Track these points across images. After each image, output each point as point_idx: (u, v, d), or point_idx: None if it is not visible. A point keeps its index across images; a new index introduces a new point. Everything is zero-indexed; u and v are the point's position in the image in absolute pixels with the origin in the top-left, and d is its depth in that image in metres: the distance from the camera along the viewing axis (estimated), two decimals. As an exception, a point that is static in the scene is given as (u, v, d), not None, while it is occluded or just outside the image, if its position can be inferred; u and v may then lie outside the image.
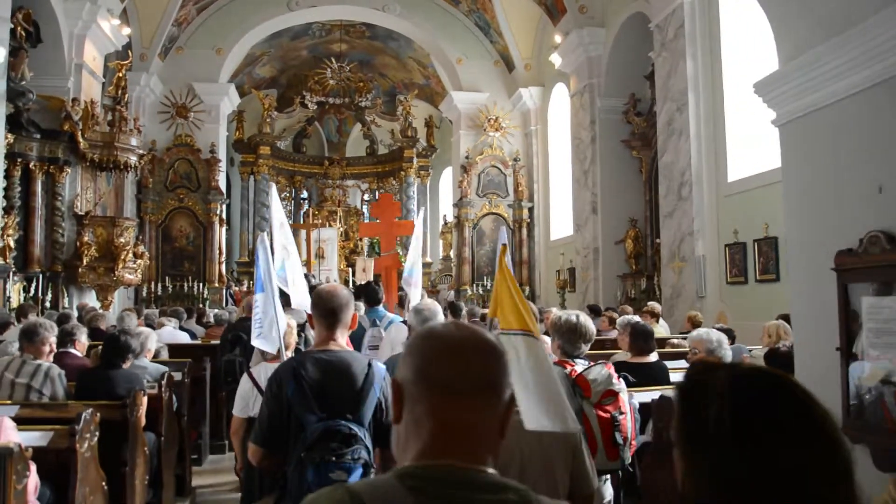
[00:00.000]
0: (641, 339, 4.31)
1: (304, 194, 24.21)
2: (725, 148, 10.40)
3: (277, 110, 21.16)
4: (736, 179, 10.14)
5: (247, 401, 3.63)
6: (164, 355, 5.91)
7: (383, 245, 13.76)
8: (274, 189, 4.21)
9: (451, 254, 20.08)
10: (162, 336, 6.93)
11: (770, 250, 9.25)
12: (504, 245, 3.07)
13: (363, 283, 7.99)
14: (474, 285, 17.90)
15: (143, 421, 4.21)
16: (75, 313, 9.03)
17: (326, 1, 17.47)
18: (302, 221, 20.24)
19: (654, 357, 4.37)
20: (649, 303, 9.31)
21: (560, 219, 17.18)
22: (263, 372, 3.63)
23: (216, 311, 10.44)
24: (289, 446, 2.53)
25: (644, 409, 4.02)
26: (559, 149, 17.31)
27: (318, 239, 17.31)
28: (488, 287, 17.82)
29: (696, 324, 7.94)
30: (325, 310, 2.69)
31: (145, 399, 4.19)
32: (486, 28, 18.19)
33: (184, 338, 7.97)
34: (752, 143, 10.12)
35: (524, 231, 18.31)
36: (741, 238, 9.84)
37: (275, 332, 3.66)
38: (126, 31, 14.16)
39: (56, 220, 12.09)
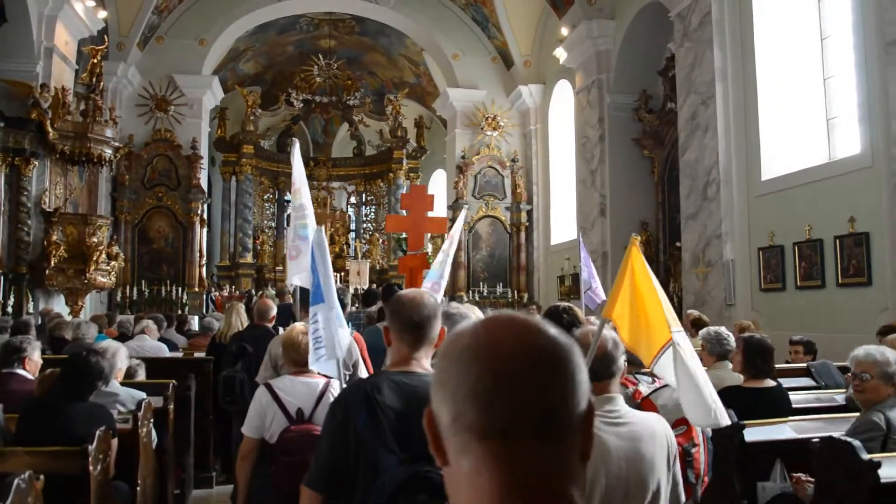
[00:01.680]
0: (759, 357, 3.38)
1: (288, 196, 23.23)
2: (759, 143, 9.57)
3: (262, 108, 20.32)
4: (770, 178, 9.34)
5: (263, 418, 2.96)
6: (142, 375, 4.78)
7: (410, 242, 12.65)
8: (297, 145, 3.41)
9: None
10: (134, 350, 5.84)
11: (814, 254, 8.42)
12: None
13: (386, 285, 7.00)
14: (470, 292, 16.94)
15: (113, 470, 3.17)
16: (36, 321, 7.93)
17: (317, -10, 16.60)
18: (287, 224, 19.21)
19: (771, 381, 3.45)
20: (690, 311, 8.41)
21: (561, 222, 16.36)
22: (288, 386, 3.04)
23: (206, 318, 9.35)
24: (356, 494, 2.00)
25: (769, 447, 3.12)
26: (561, 149, 16.52)
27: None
28: (485, 293, 16.94)
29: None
30: (408, 323, 2.09)
31: (115, 441, 3.16)
32: (483, 22, 17.37)
33: (161, 351, 6.84)
34: (791, 138, 9.34)
35: (522, 235, 17.45)
36: (778, 241, 9.02)
37: (338, 351, 2.94)
38: (102, 14, 13.07)
39: (21, 216, 11.00)
